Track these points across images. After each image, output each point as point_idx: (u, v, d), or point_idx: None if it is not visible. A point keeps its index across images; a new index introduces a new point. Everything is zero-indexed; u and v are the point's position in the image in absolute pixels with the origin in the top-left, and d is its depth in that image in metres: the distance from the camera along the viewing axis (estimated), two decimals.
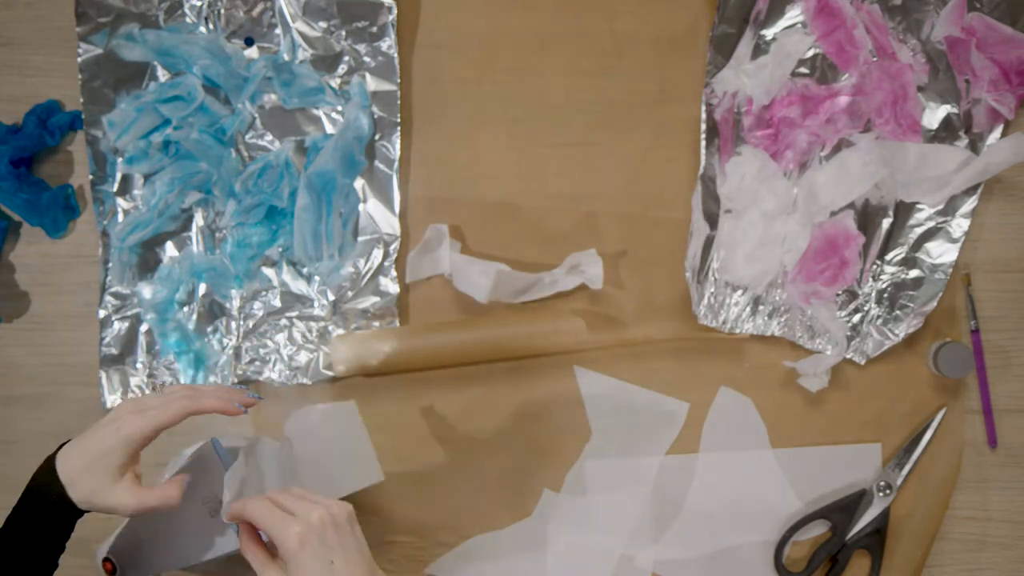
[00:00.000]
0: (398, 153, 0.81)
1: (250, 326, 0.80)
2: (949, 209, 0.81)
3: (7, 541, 0.59)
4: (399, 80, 0.81)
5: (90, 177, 0.80)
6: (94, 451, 0.58)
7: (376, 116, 0.81)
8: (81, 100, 0.80)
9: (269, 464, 0.68)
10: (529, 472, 0.80)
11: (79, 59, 0.80)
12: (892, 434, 0.81)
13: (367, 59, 0.81)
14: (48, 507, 0.58)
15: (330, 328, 0.80)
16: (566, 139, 0.82)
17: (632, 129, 0.82)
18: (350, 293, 0.80)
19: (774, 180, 0.80)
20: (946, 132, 0.81)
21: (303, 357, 0.80)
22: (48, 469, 0.59)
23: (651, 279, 0.81)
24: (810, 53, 0.81)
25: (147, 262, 0.80)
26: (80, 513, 0.59)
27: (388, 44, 0.81)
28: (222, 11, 0.81)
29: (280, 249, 0.80)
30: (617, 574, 0.80)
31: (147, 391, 0.80)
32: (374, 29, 0.81)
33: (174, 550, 0.70)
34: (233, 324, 0.80)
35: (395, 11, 0.80)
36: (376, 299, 0.80)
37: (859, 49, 0.80)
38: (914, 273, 0.80)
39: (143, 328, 0.80)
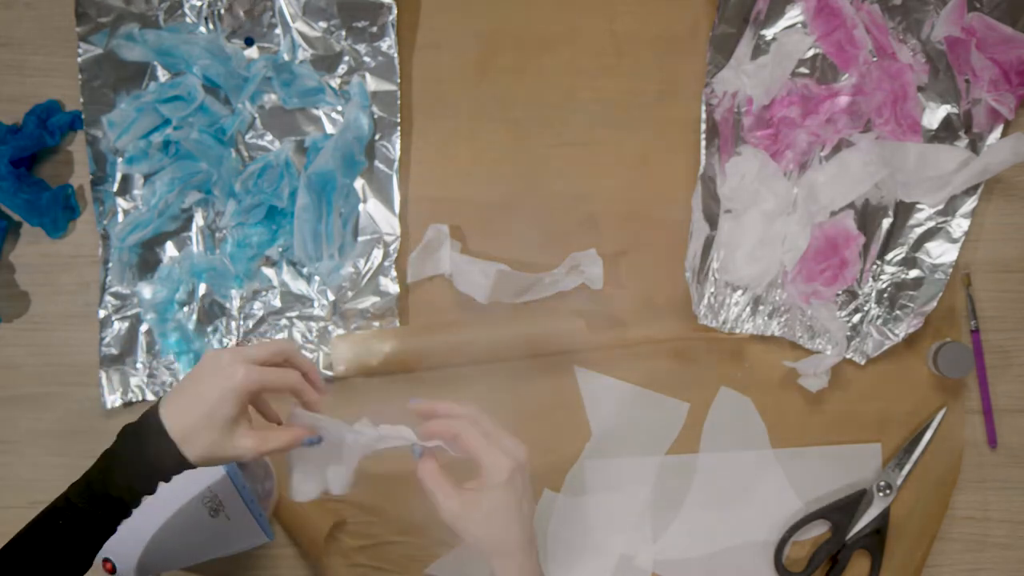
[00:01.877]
0: (398, 153, 0.81)
1: (250, 326, 0.80)
2: (949, 209, 0.81)
3: (100, 505, 0.57)
4: (399, 80, 0.81)
5: (90, 177, 0.80)
6: (204, 406, 0.56)
7: (376, 116, 0.81)
8: (81, 100, 0.80)
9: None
10: (529, 472, 0.80)
11: (79, 59, 0.80)
12: (892, 434, 0.81)
13: (367, 59, 0.81)
14: (161, 467, 0.57)
15: (330, 328, 0.80)
16: (566, 139, 0.82)
17: (632, 129, 0.82)
18: (350, 293, 0.80)
19: (774, 180, 0.80)
20: (946, 132, 0.81)
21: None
22: (155, 429, 0.56)
23: (651, 279, 0.81)
24: (810, 53, 0.81)
25: (147, 262, 0.80)
26: (192, 467, 0.58)
27: (388, 44, 0.81)
28: (222, 11, 0.81)
29: (280, 249, 0.80)
30: (617, 574, 0.80)
31: (147, 393, 0.80)
32: (374, 29, 0.81)
33: (174, 550, 0.70)
34: (233, 324, 0.80)
35: (395, 11, 0.80)
36: (376, 299, 0.80)
37: (859, 49, 0.80)
38: (914, 273, 0.80)
39: (143, 328, 0.80)
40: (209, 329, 0.80)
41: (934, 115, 0.81)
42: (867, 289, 0.81)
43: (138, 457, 0.57)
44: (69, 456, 0.80)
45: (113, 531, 0.58)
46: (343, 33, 0.81)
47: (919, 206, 0.81)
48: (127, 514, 0.58)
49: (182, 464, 0.57)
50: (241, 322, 0.80)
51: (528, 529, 0.60)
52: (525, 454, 0.60)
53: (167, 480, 0.58)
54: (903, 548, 0.80)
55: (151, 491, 0.58)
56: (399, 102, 0.81)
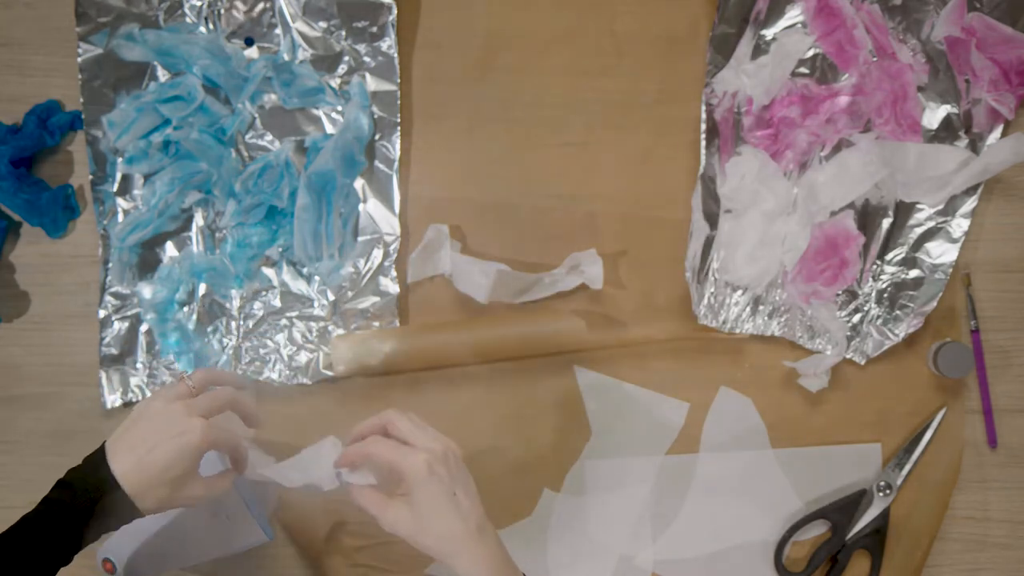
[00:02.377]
0: (398, 153, 0.81)
1: (250, 326, 0.80)
2: (949, 209, 0.81)
3: (28, 537, 0.57)
4: (399, 80, 0.81)
5: (90, 177, 0.80)
6: (159, 463, 0.57)
7: (376, 116, 0.81)
8: (81, 100, 0.80)
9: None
10: (529, 472, 0.80)
11: (79, 59, 0.80)
12: (892, 434, 0.81)
13: (367, 59, 0.81)
14: (114, 519, 0.58)
15: (330, 328, 0.80)
16: (566, 139, 0.82)
17: (632, 129, 0.82)
18: (350, 293, 0.80)
19: (774, 180, 0.80)
20: (946, 132, 0.81)
21: (303, 357, 0.80)
22: (102, 480, 0.57)
23: (651, 279, 0.81)
24: (810, 53, 0.81)
25: (147, 262, 0.80)
26: (140, 516, 0.59)
27: (388, 44, 0.81)
28: (222, 11, 0.81)
29: (280, 249, 0.80)
30: (617, 574, 0.80)
31: (147, 393, 0.80)
32: (374, 29, 0.81)
33: (174, 550, 0.70)
34: (233, 324, 0.80)
35: (395, 11, 0.80)
36: (376, 299, 0.80)
37: (859, 49, 0.80)
38: (914, 273, 0.80)
39: (143, 328, 0.80)
40: (209, 329, 0.80)
41: (934, 115, 0.81)
42: (867, 289, 0.81)
43: (86, 510, 0.57)
44: (69, 456, 0.79)
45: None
46: (343, 33, 0.81)
47: (919, 206, 0.81)
48: (66, 562, 0.58)
49: (134, 516, 0.58)
50: (241, 322, 0.80)
51: (472, 517, 0.58)
52: (443, 444, 0.58)
53: (114, 529, 0.59)
54: (903, 548, 0.80)
55: (92, 540, 0.59)
56: (399, 102, 0.81)
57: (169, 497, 0.58)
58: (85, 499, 0.57)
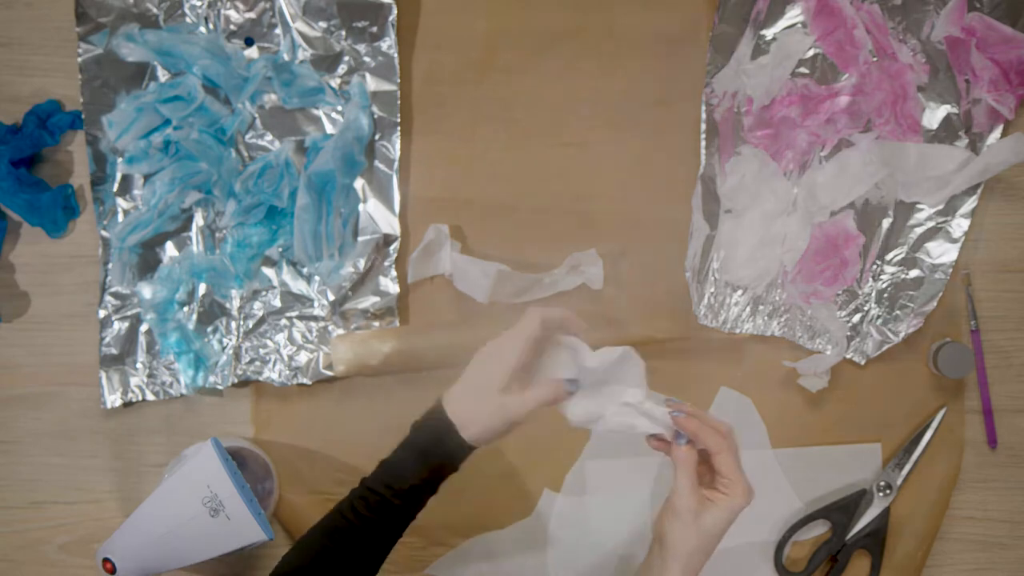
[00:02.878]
0: (398, 153, 0.81)
1: (250, 326, 0.80)
2: (949, 209, 0.81)
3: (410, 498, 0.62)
4: (399, 80, 0.81)
5: (90, 177, 0.80)
6: (473, 387, 0.61)
7: (376, 116, 0.81)
8: (81, 100, 0.80)
9: None
10: (529, 472, 0.80)
11: (79, 59, 0.80)
12: (892, 434, 0.81)
13: (367, 59, 0.81)
14: (450, 455, 0.62)
15: (330, 328, 0.80)
16: (566, 139, 0.82)
17: (632, 129, 0.82)
18: (350, 293, 0.80)
19: (774, 180, 0.80)
20: (946, 132, 0.81)
21: (303, 357, 0.80)
22: (440, 423, 0.61)
23: (651, 279, 0.81)
24: (810, 53, 0.81)
25: (147, 262, 0.80)
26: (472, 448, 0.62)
27: (388, 44, 0.81)
28: (222, 11, 0.81)
29: (280, 249, 0.80)
30: (617, 574, 0.80)
31: (147, 393, 0.80)
32: (374, 29, 0.81)
33: (174, 550, 0.70)
34: (233, 324, 0.80)
35: (395, 11, 0.80)
36: (376, 299, 0.80)
37: (859, 49, 0.80)
38: (914, 273, 0.80)
39: (143, 328, 0.80)
40: (209, 329, 0.80)
41: (934, 115, 0.81)
42: (867, 289, 0.81)
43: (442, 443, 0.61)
44: (69, 456, 0.80)
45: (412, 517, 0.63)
46: (343, 33, 0.81)
47: (919, 206, 0.81)
48: (427, 498, 0.63)
49: (468, 448, 0.62)
50: (241, 322, 0.80)
51: (710, 549, 0.61)
52: (752, 497, 0.61)
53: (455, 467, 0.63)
54: (903, 548, 0.80)
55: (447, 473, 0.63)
56: (399, 102, 0.81)
57: (493, 416, 0.61)
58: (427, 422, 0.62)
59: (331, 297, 0.80)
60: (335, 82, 0.81)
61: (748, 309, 0.81)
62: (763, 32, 0.81)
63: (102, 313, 0.80)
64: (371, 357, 0.77)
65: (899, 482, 0.80)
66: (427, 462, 0.62)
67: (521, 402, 0.61)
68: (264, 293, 0.80)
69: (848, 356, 0.80)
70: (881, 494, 0.79)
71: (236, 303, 0.80)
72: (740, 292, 0.81)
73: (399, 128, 0.81)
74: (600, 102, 0.82)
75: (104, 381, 0.80)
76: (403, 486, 0.61)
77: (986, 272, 0.82)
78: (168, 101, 0.79)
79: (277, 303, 0.80)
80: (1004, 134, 0.81)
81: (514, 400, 0.61)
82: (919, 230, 0.81)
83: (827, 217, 0.80)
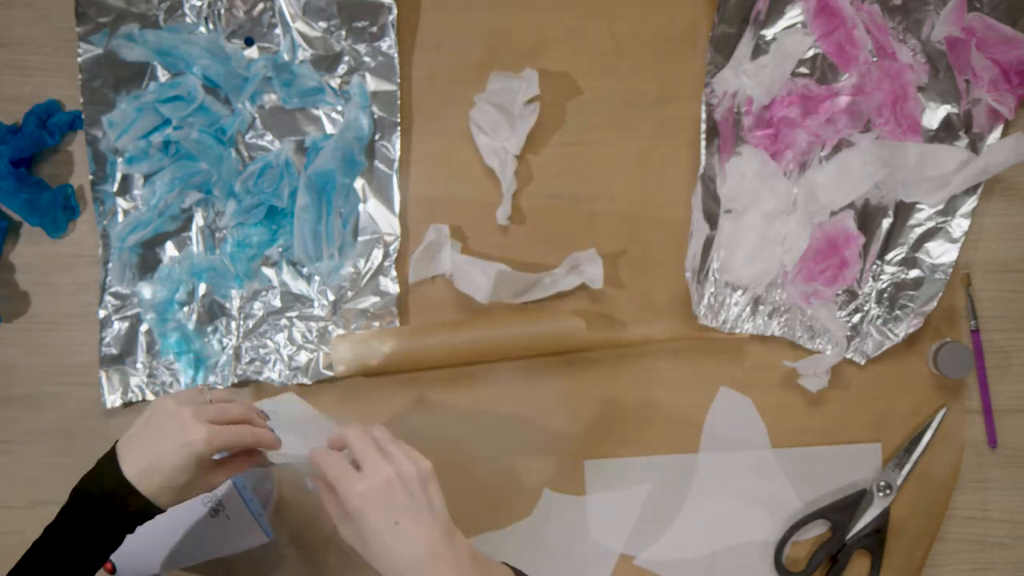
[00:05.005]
0: (398, 153, 0.81)
1: (250, 326, 0.80)
2: (949, 209, 0.81)
3: (56, 549, 0.58)
4: (399, 80, 0.81)
5: (90, 177, 0.80)
6: (167, 470, 0.57)
7: (376, 116, 0.81)
8: (81, 100, 0.80)
9: None
10: (529, 472, 0.80)
11: (79, 59, 0.80)
12: (892, 434, 0.81)
13: (367, 59, 0.81)
14: (128, 516, 0.58)
15: (330, 328, 0.80)
16: (566, 139, 0.82)
17: (632, 129, 0.82)
18: (350, 293, 0.80)
19: (774, 180, 0.80)
20: (946, 132, 0.81)
21: (303, 357, 0.80)
22: (120, 484, 0.57)
23: (651, 279, 0.81)
24: (810, 53, 0.81)
25: (147, 262, 0.80)
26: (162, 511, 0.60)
27: (388, 44, 0.81)
28: (222, 11, 0.81)
29: (280, 249, 0.80)
30: (617, 574, 0.80)
31: (147, 393, 0.80)
32: (374, 29, 0.81)
33: (174, 550, 0.70)
34: (233, 324, 0.80)
35: (395, 11, 0.80)
36: (376, 299, 0.80)
37: (859, 49, 0.80)
38: (914, 273, 0.80)
39: (143, 328, 0.80)
40: (209, 329, 0.80)
41: (934, 115, 0.81)
42: (867, 289, 0.81)
43: (112, 513, 0.57)
44: (69, 456, 0.80)
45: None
46: (343, 33, 0.81)
47: (919, 206, 0.81)
48: (96, 569, 0.59)
49: (155, 513, 0.59)
50: (241, 322, 0.80)
51: (421, 544, 0.55)
52: (388, 473, 0.56)
53: (131, 531, 0.59)
54: (903, 548, 0.80)
55: (118, 544, 0.59)
56: (399, 102, 0.81)
57: (183, 494, 0.59)
58: (108, 504, 0.57)
59: (331, 297, 0.80)
60: (335, 82, 0.81)
61: (748, 309, 0.81)
62: (763, 32, 0.81)
63: (102, 313, 0.80)
64: (371, 357, 0.77)
65: (899, 482, 0.80)
66: (109, 525, 0.58)
67: (214, 480, 0.60)
68: (264, 293, 0.80)
69: (848, 356, 0.80)
70: (881, 494, 0.79)
71: (236, 303, 0.80)
72: (740, 292, 0.81)
73: (399, 128, 0.81)
74: (600, 102, 0.82)
75: (104, 381, 0.80)
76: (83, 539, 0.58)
77: (986, 272, 0.82)
78: (168, 101, 0.79)
79: (277, 303, 0.80)
80: (1004, 134, 0.81)
81: (207, 480, 0.60)
82: (919, 230, 0.81)
83: (827, 217, 0.80)
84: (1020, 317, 0.82)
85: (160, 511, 0.59)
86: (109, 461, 0.58)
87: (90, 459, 0.59)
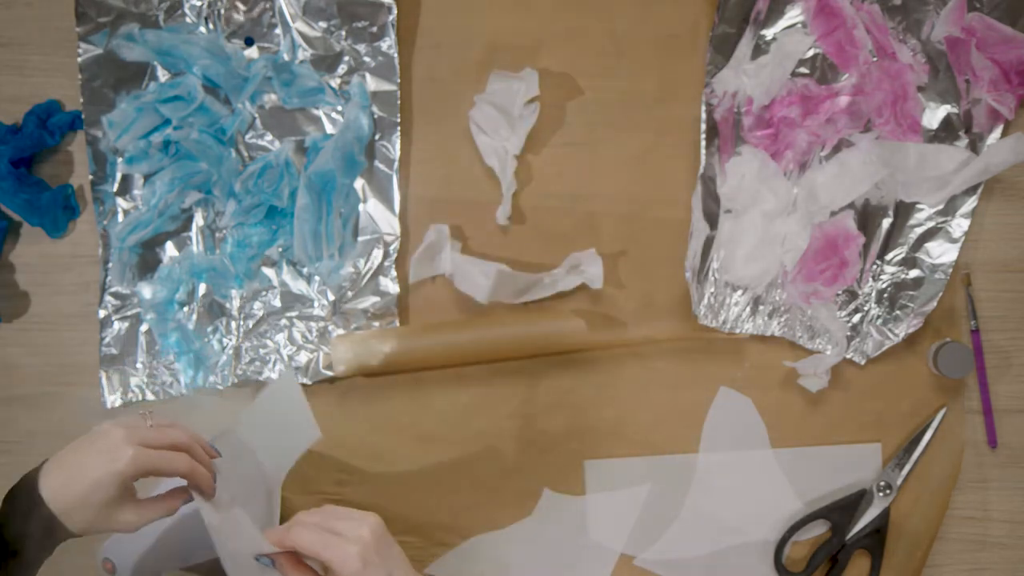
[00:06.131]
0: (398, 153, 0.81)
1: (250, 326, 0.80)
2: (949, 209, 0.81)
3: None
4: (399, 80, 0.81)
5: (90, 177, 0.80)
6: (86, 483, 0.55)
7: (376, 116, 0.81)
8: (81, 100, 0.80)
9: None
10: (529, 472, 0.80)
11: (79, 59, 0.80)
12: (892, 434, 0.81)
13: (367, 59, 0.81)
14: (41, 534, 0.56)
15: (330, 328, 0.80)
16: (566, 139, 0.82)
17: (632, 129, 0.82)
18: (350, 293, 0.80)
19: (774, 180, 0.80)
20: (946, 132, 0.81)
21: (303, 357, 0.80)
22: (32, 497, 0.55)
23: (651, 279, 0.81)
24: (810, 53, 0.81)
25: (147, 262, 0.80)
26: (77, 536, 0.57)
27: (388, 44, 0.81)
28: (222, 11, 0.81)
29: (280, 249, 0.80)
30: (617, 574, 0.80)
31: (147, 393, 0.80)
32: (374, 29, 0.81)
33: (174, 550, 0.70)
34: (233, 324, 0.80)
35: (395, 11, 0.80)
36: (376, 299, 0.80)
37: (859, 49, 0.80)
38: (914, 273, 0.80)
39: (143, 328, 0.80)
40: (209, 329, 0.80)
41: (934, 115, 0.81)
42: (867, 289, 0.81)
43: (21, 528, 0.56)
44: None
45: None
46: (343, 33, 0.81)
47: (919, 206, 0.81)
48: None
49: (67, 535, 0.57)
50: (241, 322, 0.80)
51: None
52: (371, 527, 0.56)
53: (49, 550, 0.58)
54: (903, 548, 0.80)
55: (33, 558, 0.57)
56: (399, 102, 0.81)
57: (97, 520, 0.56)
58: (15, 517, 0.56)
59: (331, 297, 0.80)
60: (335, 82, 0.81)
61: (748, 309, 0.81)
62: (763, 32, 0.81)
63: (102, 313, 0.80)
64: (371, 357, 0.77)
65: (899, 482, 0.80)
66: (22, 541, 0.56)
67: (133, 520, 0.58)
68: (264, 293, 0.80)
69: (848, 356, 0.80)
70: (881, 494, 0.79)
71: (236, 303, 0.80)
72: (740, 292, 0.81)
73: (399, 128, 0.81)
74: (600, 102, 0.82)
75: (104, 381, 0.80)
76: None
77: (986, 272, 0.82)
78: (168, 101, 0.79)
79: (277, 303, 0.80)
80: (1004, 134, 0.80)
81: (127, 515, 0.57)
82: (919, 230, 0.81)
83: (827, 217, 0.80)
84: (1020, 317, 0.82)
85: (69, 534, 0.56)
86: (33, 475, 0.57)
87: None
